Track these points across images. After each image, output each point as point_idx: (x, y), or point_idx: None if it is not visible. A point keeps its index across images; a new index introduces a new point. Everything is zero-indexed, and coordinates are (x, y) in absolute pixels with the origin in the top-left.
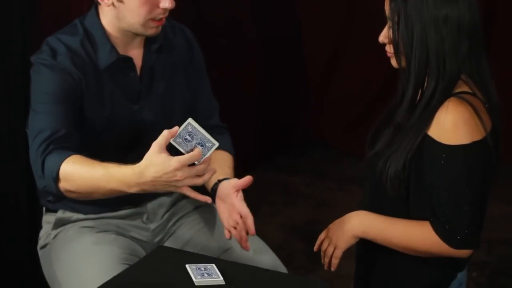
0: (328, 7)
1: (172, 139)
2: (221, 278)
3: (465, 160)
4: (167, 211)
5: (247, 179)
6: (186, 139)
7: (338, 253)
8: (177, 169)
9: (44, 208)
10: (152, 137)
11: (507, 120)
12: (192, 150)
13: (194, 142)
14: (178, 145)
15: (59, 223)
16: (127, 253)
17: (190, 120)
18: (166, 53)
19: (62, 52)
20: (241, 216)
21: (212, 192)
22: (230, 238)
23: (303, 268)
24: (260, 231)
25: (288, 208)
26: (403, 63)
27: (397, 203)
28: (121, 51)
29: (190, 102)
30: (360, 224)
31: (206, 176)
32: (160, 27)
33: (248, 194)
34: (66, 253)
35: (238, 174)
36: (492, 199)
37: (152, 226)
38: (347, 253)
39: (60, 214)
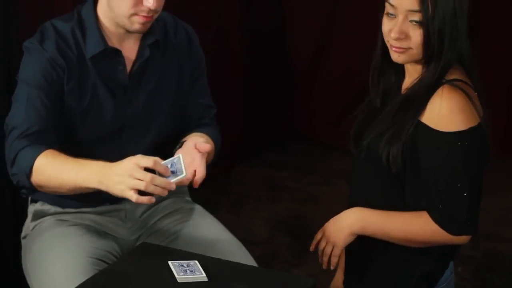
0: (313, 0)
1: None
2: (204, 274)
3: (462, 146)
4: (146, 210)
5: (209, 146)
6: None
7: (337, 252)
8: (131, 161)
9: (29, 198)
10: (132, 133)
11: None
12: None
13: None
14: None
15: (38, 215)
16: (98, 248)
17: (180, 155)
18: (163, 50)
19: (50, 36)
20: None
21: (178, 145)
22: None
23: (288, 264)
24: (246, 226)
25: (273, 203)
26: (418, 57)
27: (392, 191)
28: (113, 43)
29: (179, 102)
30: (358, 220)
31: (157, 192)
32: (147, 24)
33: (234, 189)
34: (36, 245)
35: (224, 167)
36: None
37: (130, 223)
38: None
39: (39, 206)
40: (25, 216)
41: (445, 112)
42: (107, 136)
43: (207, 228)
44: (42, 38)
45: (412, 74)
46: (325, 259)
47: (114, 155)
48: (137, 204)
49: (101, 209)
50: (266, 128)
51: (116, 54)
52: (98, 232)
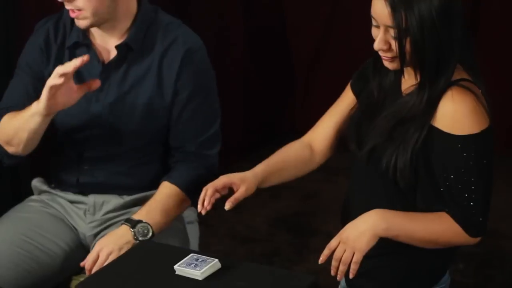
0: (313, 0)
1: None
2: (199, 272)
3: (475, 149)
4: (111, 211)
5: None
6: None
7: (359, 257)
8: None
9: None
10: (102, 131)
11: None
12: None
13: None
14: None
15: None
16: (41, 232)
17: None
18: (140, 56)
19: (50, 20)
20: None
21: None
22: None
23: (289, 261)
24: (246, 223)
25: (274, 200)
26: (410, 64)
27: (404, 194)
28: (94, 38)
29: (156, 114)
30: (382, 221)
31: None
32: (80, 22)
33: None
34: None
35: (225, 165)
36: None
37: (89, 219)
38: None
39: (35, 182)
40: None
41: (459, 116)
42: (78, 128)
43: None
44: (46, 20)
45: (411, 74)
46: (343, 268)
47: (90, 145)
48: (103, 202)
49: (71, 197)
50: (266, 125)
51: (88, 48)
52: (58, 219)
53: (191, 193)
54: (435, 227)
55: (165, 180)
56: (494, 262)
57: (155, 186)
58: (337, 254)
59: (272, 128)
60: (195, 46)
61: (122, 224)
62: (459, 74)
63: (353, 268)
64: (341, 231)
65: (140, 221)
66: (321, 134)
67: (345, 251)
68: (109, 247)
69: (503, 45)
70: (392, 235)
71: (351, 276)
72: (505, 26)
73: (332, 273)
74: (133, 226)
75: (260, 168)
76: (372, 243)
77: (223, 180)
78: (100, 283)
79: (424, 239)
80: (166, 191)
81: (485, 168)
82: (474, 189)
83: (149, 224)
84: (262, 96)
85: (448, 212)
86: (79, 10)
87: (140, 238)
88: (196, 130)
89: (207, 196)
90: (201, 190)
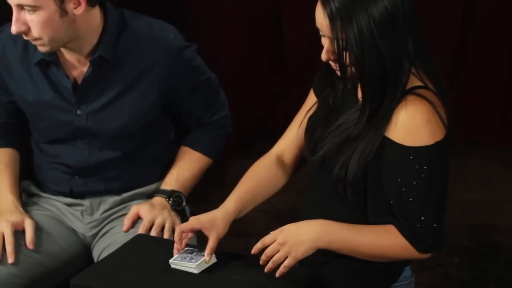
0: None
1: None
2: (194, 265)
3: (428, 162)
4: (108, 209)
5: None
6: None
7: (292, 263)
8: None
9: None
10: (88, 140)
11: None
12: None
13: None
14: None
15: (24, 193)
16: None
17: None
18: (118, 65)
19: (4, 28)
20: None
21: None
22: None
23: None
24: (242, 218)
25: None
26: (353, 75)
27: (354, 207)
28: (63, 54)
29: (142, 118)
30: (325, 235)
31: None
32: (40, 48)
33: (229, 181)
34: None
35: (218, 161)
36: (473, 183)
37: (87, 220)
38: None
39: (24, 184)
40: None
41: (412, 127)
42: (65, 140)
43: None
44: (2, 29)
45: None
46: (272, 265)
47: (78, 157)
48: (100, 201)
49: (66, 200)
50: (261, 120)
51: (57, 65)
52: (56, 220)
53: (214, 154)
54: (381, 242)
55: (186, 146)
56: (489, 255)
57: (150, 182)
58: (268, 252)
59: (266, 123)
60: (173, 42)
61: (156, 196)
62: (414, 80)
63: (282, 271)
64: (280, 230)
65: (174, 191)
66: (292, 142)
67: (278, 251)
68: (159, 217)
69: (500, 39)
70: (334, 248)
71: (276, 275)
72: (502, 19)
73: (261, 263)
74: (168, 197)
75: (231, 204)
76: (309, 254)
77: (192, 224)
78: (95, 277)
79: (369, 254)
80: (190, 157)
81: (438, 182)
82: (425, 203)
83: (182, 193)
84: (255, 91)
85: (396, 226)
86: (37, 39)
87: (178, 208)
88: (207, 105)
89: (176, 242)
90: (222, 148)
